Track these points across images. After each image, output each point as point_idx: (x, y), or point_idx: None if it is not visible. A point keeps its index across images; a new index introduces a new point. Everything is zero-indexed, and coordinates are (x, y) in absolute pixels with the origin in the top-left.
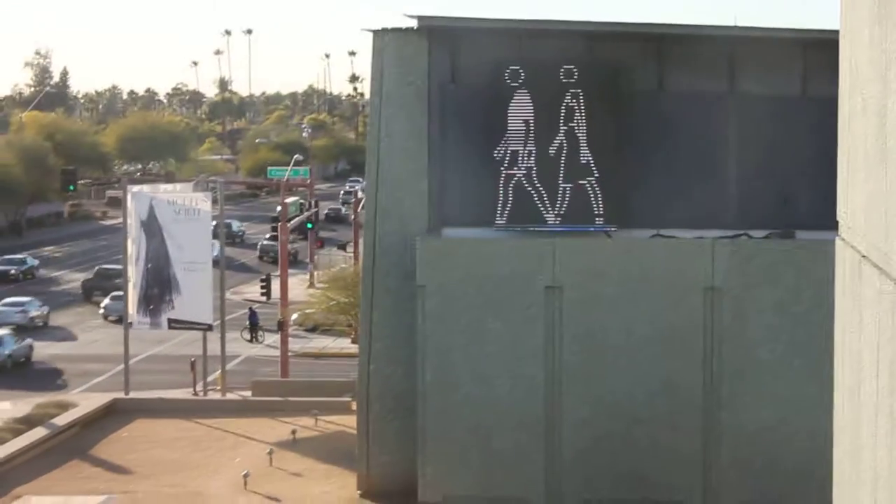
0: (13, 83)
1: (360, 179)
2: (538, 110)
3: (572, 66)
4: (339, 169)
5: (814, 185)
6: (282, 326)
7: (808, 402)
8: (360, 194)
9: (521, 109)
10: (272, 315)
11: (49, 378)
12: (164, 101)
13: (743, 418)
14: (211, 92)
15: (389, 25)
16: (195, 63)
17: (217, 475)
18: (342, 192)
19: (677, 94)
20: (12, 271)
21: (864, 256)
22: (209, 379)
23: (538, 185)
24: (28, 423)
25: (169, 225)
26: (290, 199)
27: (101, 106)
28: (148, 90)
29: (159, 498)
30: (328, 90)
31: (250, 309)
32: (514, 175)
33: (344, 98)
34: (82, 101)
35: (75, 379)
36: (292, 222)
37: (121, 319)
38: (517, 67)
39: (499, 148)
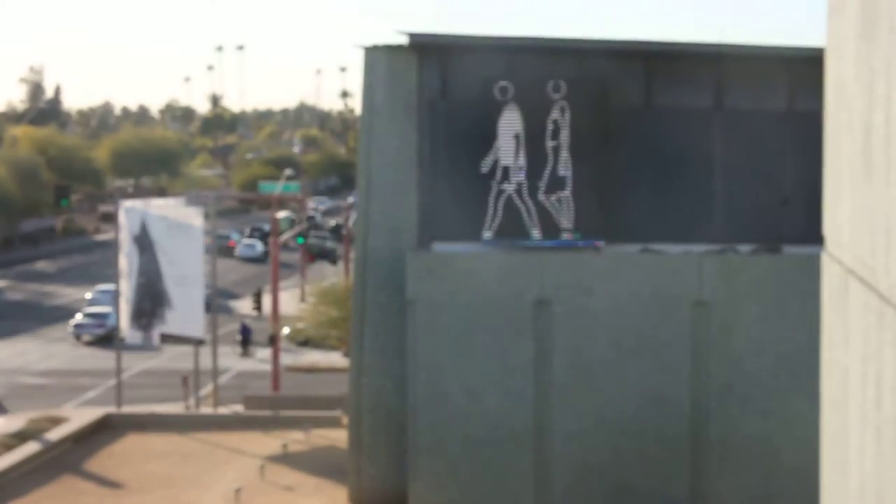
0: (6, 99)
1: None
2: (527, 125)
3: (560, 82)
4: (330, 184)
5: (800, 201)
6: (273, 341)
7: (796, 415)
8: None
9: (510, 124)
10: (263, 329)
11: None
12: (157, 116)
13: (730, 431)
14: (203, 107)
15: (380, 42)
16: (187, 79)
17: (209, 489)
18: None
19: (664, 110)
20: None
21: (849, 271)
22: (201, 393)
23: (527, 199)
24: (21, 437)
25: (161, 240)
26: (281, 214)
27: (93, 121)
28: (140, 107)
29: None
30: (319, 106)
31: (242, 324)
32: (504, 190)
33: (335, 114)
34: (75, 117)
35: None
36: (283, 237)
37: None
38: (506, 83)
39: (488, 163)
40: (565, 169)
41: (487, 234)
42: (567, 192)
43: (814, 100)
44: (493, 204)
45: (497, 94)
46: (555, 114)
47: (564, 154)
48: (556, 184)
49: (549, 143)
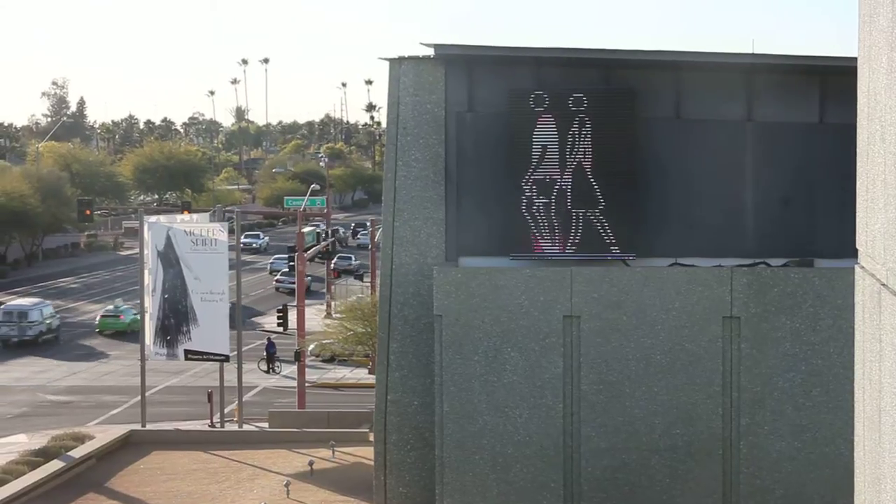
0: (30, 114)
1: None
2: (555, 138)
3: (588, 94)
4: (355, 198)
5: (833, 213)
6: (299, 357)
7: (828, 431)
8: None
9: (537, 137)
10: (289, 346)
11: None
12: (181, 130)
13: (762, 447)
14: (227, 121)
15: (406, 54)
16: (212, 92)
17: None
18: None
19: (694, 122)
20: None
21: (883, 284)
22: (226, 410)
23: (555, 213)
24: (44, 455)
25: (186, 255)
26: (307, 229)
27: (117, 136)
28: (164, 120)
29: None
30: (345, 119)
31: (268, 339)
32: (531, 204)
33: (361, 127)
34: (99, 131)
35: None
36: (309, 252)
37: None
38: (541, 93)
39: (515, 176)
40: (596, 182)
41: (517, 250)
42: (600, 207)
43: (846, 111)
44: (520, 218)
45: (527, 105)
46: (584, 126)
47: (594, 167)
48: (586, 198)
49: (578, 157)
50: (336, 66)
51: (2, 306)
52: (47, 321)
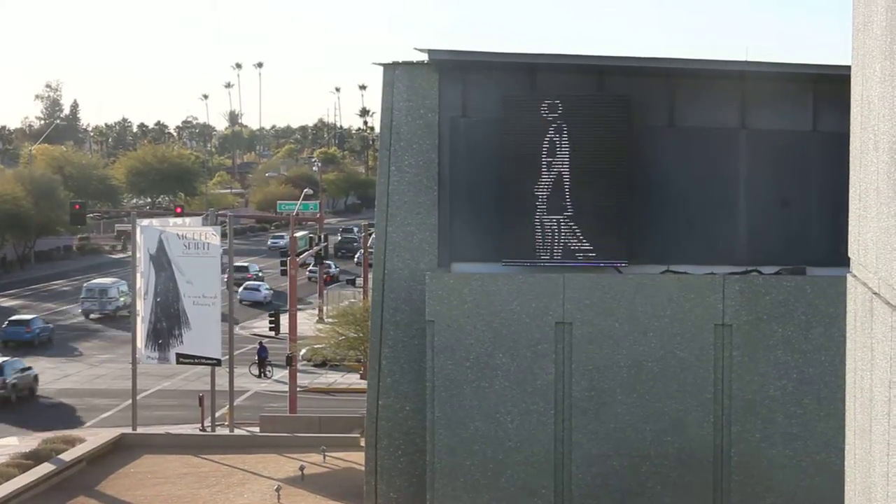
0: (23, 116)
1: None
2: (549, 144)
3: (582, 101)
4: (348, 203)
5: (825, 221)
6: (290, 362)
7: (819, 439)
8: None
9: (531, 143)
10: (281, 350)
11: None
12: (175, 134)
13: (753, 455)
14: (221, 125)
15: (400, 59)
16: (205, 96)
17: None
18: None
19: (688, 129)
20: None
21: (875, 293)
22: (217, 414)
23: (548, 220)
24: (35, 458)
25: (178, 259)
26: (299, 233)
27: (110, 139)
28: (158, 123)
29: None
30: (338, 124)
31: (260, 343)
32: (524, 210)
33: (354, 132)
34: (92, 134)
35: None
36: (301, 256)
37: None
38: (534, 99)
39: (508, 182)
40: (588, 188)
41: (509, 256)
42: (593, 213)
43: (839, 119)
44: (513, 224)
45: (525, 110)
46: (577, 132)
47: (587, 174)
48: (578, 204)
49: (573, 162)
50: (330, 70)
51: (84, 284)
52: (122, 298)
